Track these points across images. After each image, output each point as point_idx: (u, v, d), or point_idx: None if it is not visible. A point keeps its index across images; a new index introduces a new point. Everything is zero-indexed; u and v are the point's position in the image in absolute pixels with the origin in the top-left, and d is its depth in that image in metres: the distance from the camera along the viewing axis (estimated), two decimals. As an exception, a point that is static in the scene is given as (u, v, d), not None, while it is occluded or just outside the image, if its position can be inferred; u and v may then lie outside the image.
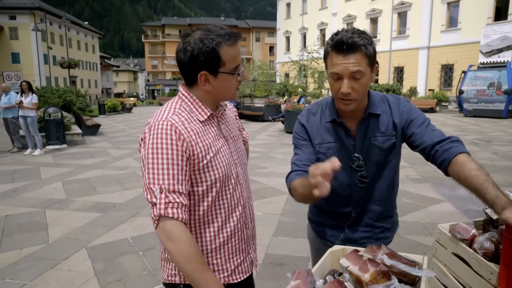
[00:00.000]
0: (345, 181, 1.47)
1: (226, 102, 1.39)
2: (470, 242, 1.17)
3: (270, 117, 16.78)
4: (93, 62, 54.44)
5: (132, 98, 39.41)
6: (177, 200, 1.12)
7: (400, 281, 0.79)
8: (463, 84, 19.46)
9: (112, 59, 79.24)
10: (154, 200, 1.11)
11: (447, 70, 27.45)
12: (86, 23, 55.21)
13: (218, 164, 1.23)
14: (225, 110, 1.38)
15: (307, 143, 1.49)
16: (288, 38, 43.85)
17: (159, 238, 1.15)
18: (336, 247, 1.02)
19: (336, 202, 1.52)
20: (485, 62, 19.48)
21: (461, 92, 19.46)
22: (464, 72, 19.86)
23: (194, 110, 1.25)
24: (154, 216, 1.12)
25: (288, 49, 43.44)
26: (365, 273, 0.76)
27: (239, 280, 1.36)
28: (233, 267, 1.33)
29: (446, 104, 24.11)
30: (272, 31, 58.53)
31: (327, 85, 23.05)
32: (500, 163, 7.55)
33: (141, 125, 17.08)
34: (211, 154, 1.21)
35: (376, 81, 31.04)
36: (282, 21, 44.76)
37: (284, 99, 21.26)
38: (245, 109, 19.63)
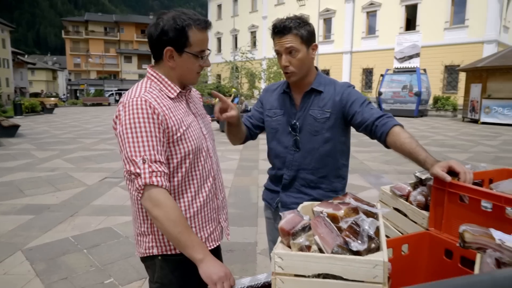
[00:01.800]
0: (284, 143, 1.75)
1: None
2: (406, 197, 1.44)
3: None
4: (3, 58, 48.84)
5: (52, 98, 36.31)
6: (160, 169, 1.20)
7: (363, 218, 0.99)
8: (382, 86, 21.38)
9: (26, 56, 71.92)
10: (138, 170, 1.18)
11: (368, 73, 29.87)
12: (-5, 14, 49.47)
13: (190, 137, 1.33)
14: (191, 91, 1.49)
15: (259, 107, 1.89)
16: (219, 39, 43.99)
17: (145, 206, 1.21)
18: (306, 203, 1.20)
19: (277, 165, 1.81)
20: (399, 67, 21.57)
21: (380, 93, 21.35)
22: (382, 75, 21.83)
23: (164, 88, 1.33)
24: (139, 186, 1.18)
25: (219, 50, 43.58)
26: (339, 211, 0.96)
27: (212, 247, 1.46)
28: (206, 235, 1.44)
29: (367, 104, 26.21)
30: (203, 32, 58.10)
31: (259, 85, 23.67)
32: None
33: (66, 126, 15.93)
34: (184, 128, 1.31)
35: (305, 83, 32.54)
36: (213, 22, 44.27)
37: (217, 99, 21.34)
38: (179, 109, 19.28)
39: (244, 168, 7.19)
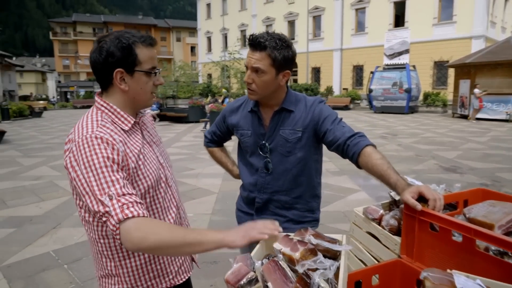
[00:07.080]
0: (255, 166, 1.66)
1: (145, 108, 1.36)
2: (379, 221, 1.39)
3: (200, 120, 16.45)
4: (-10, 61, 48.18)
5: (41, 101, 35.77)
6: (130, 199, 1.07)
7: (324, 256, 0.93)
8: (372, 83, 21.42)
9: (14, 58, 70.73)
10: (107, 209, 1.04)
11: (358, 70, 29.92)
12: (-20, 17, 48.54)
13: (148, 170, 1.24)
14: (144, 116, 1.38)
15: (224, 125, 1.80)
16: (209, 39, 43.78)
17: (130, 245, 1.05)
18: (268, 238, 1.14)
19: (248, 187, 1.71)
20: (389, 63, 21.61)
21: (370, 90, 21.40)
22: (372, 72, 21.86)
23: (117, 120, 1.22)
24: (114, 226, 1.04)
25: (209, 49, 43.38)
26: (295, 252, 0.89)
27: (183, 280, 1.39)
28: (176, 269, 1.36)
29: (359, 101, 26.27)
30: (193, 31, 57.69)
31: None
32: (404, 154, 8.53)
33: (55, 131, 15.71)
34: (141, 162, 1.22)
35: (296, 81, 32.57)
36: (202, 21, 44.54)
37: (208, 99, 21.25)
38: (168, 110, 19.17)
39: (233, 171, 7.12)
